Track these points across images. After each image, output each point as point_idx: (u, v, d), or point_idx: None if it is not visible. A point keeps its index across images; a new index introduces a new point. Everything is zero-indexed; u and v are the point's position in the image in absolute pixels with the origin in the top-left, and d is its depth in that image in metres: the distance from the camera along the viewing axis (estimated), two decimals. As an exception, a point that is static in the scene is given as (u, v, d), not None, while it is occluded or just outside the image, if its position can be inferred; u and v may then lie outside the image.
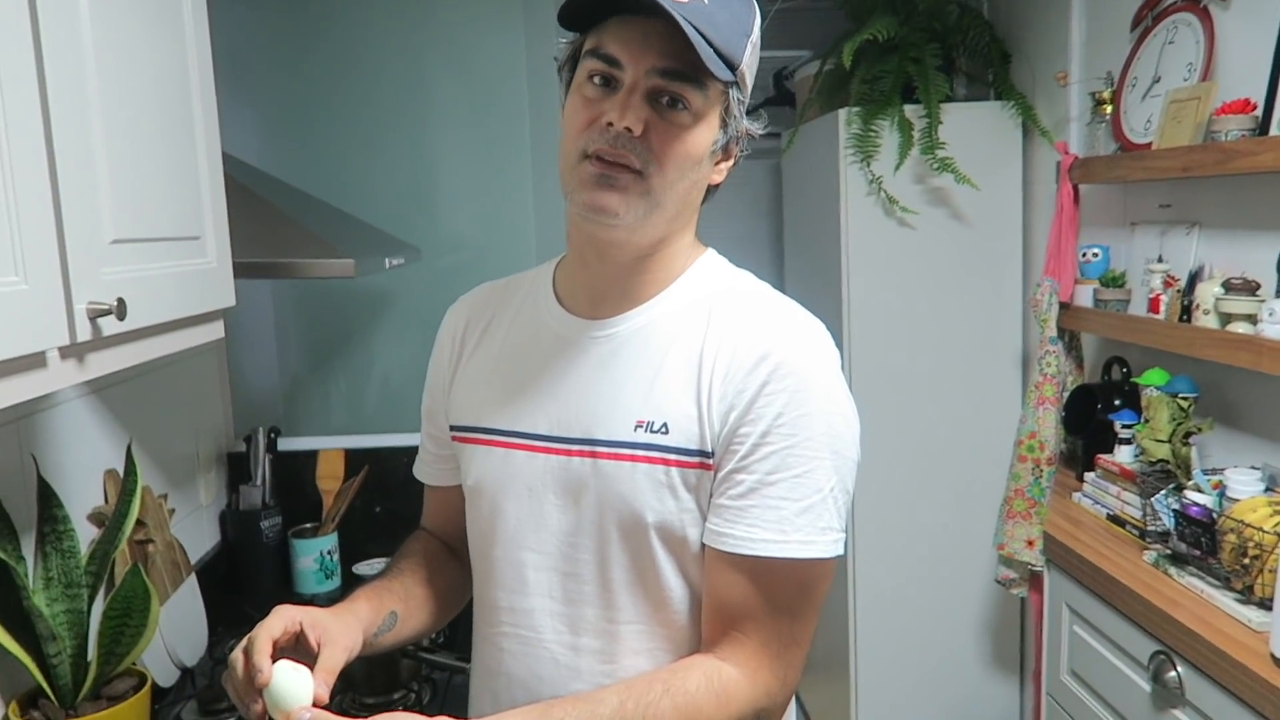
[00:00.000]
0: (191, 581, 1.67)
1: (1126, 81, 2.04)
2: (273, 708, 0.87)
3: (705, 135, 0.92)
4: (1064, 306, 2.15)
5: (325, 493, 2.05)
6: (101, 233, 0.94)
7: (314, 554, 1.97)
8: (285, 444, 2.07)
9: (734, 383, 0.90)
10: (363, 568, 2.03)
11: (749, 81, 0.95)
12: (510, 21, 2.24)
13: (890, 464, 2.51)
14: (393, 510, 2.07)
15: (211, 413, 2.03)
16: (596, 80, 0.89)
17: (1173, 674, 1.48)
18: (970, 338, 2.52)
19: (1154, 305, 1.89)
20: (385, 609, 1.03)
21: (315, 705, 0.87)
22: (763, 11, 0.96)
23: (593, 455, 0.94)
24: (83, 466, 1.49)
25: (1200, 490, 1.62)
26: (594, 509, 0.95)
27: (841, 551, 0.92)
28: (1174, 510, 1.61)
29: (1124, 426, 1.91)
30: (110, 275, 0.95)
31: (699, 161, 0.93)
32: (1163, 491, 1.67)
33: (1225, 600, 1.47)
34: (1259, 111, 1.66)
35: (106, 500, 1.54)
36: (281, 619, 0.93)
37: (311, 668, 0.89)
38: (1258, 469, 1.61)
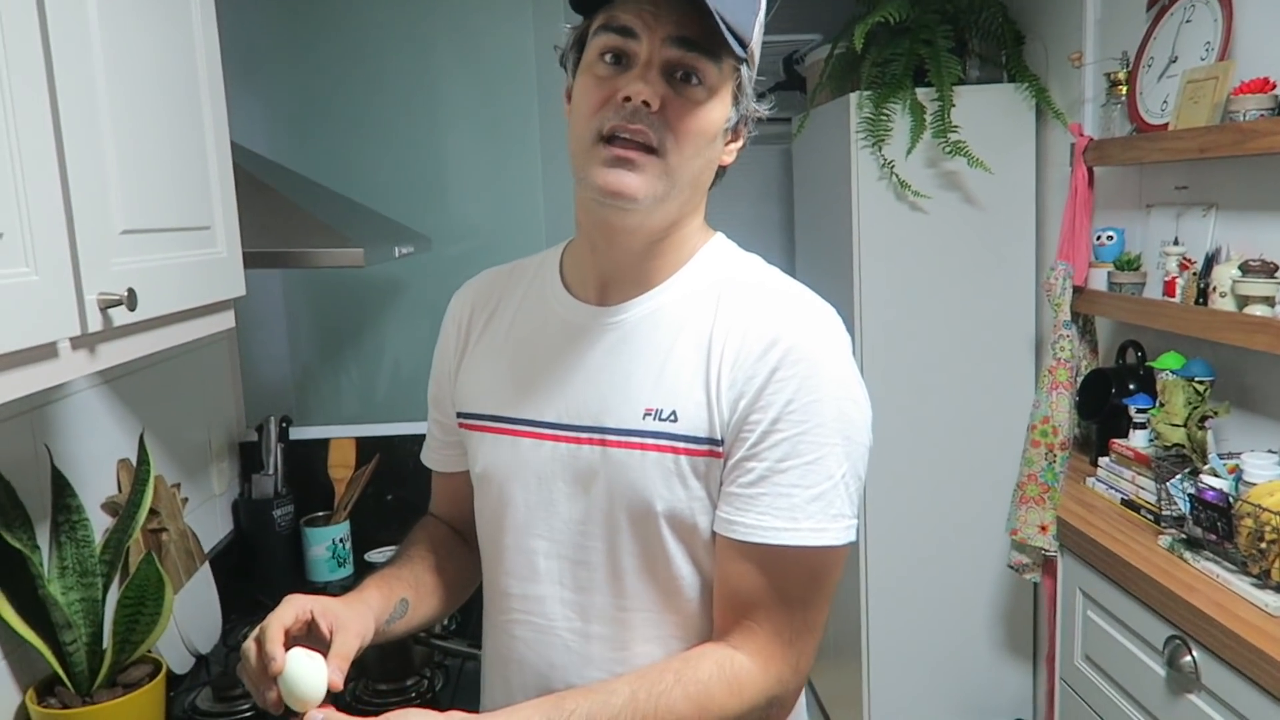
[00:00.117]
0: (205, 570, 1.68)
1: (1142, 61, 2.02)
2: (287, 695, 0.87)
3: (719, 112, 0.91)
4: (1078, 290, 2.14)
5: (337, 481, 2.06)
6: (111, 223, 0.94)
7: (326, 542, 1.98)
8: (297, 433, 2.07)
9: (743, 370, 0.89)
10: (375, 556, 2.03)
11: (756, 62, 0.94)
12: (519, 8, 2.22)
13: (903, 449, 2.50)
14: (404, 498, 2.08)
15: (223, 402, 2.04)
16: (608, 58, 0.88)
17: (1188, 659, 1.48)
18: (983, 322, 2.51)
19: (1169, 288, 1.87)
20: (396, 597, 1.03)
21: (330, 691, 0.88)
22: None
23: (602, 443, 0.94)
24: (96, 456, 1.50)
25: (1216, 474, 1.61)
26: (604, 497, 0.94)
27: (854, 538, 0.91)
28: (1189, 494, 1.59)
29: (1139, 411, 1.90)
30: (120, 265, 0.95)
31: (713, 139, 0.92)
32: (1178, 476, 1.66)
33: (1241, 584, 1.46)
34: (1278, 91, 1.64)
35: (120, 490, 1.54)
36: (293, 608, 0.93)
37: (325, 655, 0.90)
38: (1275, 452, 1.60)
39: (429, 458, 1.17)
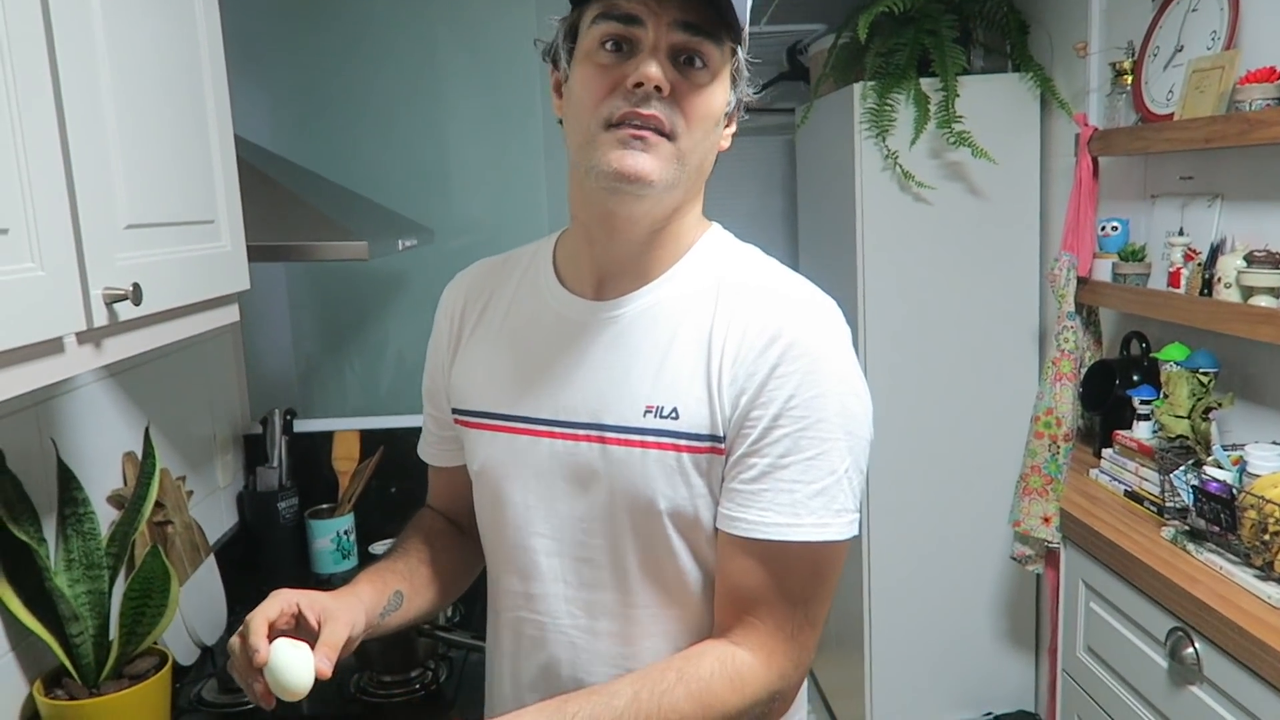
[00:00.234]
0: (210, 562, 1.68)
1: (1148, 51, 2.01)
2: (274, 685, 0.87)
3: (722, 94, 0.91)
4: (1082, 281, 2.13)
5: (341, 473, 2.06)
6: (116, 218, 0.94)
7: (331, 534, 1.99)
8: (301, 425, 2.08)
9: (745, 365, 0.89)
10: (379, 547, 2.04)
11: (747, 43, 0.94)
12: (521, -2, 2.22)
13: (906, 441, 2.50)
14: (408, 490, 2.07)
15: (228, 395, 2.04)
16: (609, 45, 0.86)
17: (1190, 651, 1.48)
18: (987, 313, 2.50)
19: (1174, 279, 1.87)
20: (389, 590, 1.03)
21: (318, 679, 0.88)
22: None
23: (601, 441, 0.93)
24: (101, 449, 1.50)
25: (1220, 466, 1.60)
26: (605, 495, 0.94)
27: (856, 532, 0.91)
28: (1193, 486, 1.59)
29: (1143, 402, 1.90)
30: (125, 260, 0.95)
31: (718, 122, 0.92)
32: (1182, 467, 1.66)
33: (1244, 576, 1.46)
34: (1283, 81, 1.63)
35: (125, 482, 1.55)
36: (278, 601, 0.93)
37: (313, 646, 0.90)
38: (1279, 444, 1.60)
39: (426, 452, 1.17)
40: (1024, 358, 2.53)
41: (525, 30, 2.23)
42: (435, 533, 1.15)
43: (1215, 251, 1.82)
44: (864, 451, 0.92)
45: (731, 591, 0.92)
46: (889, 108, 2.37)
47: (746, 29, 0.92)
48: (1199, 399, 1.72)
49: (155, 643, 1.34)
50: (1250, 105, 1.64)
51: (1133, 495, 1.85)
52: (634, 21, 0.85)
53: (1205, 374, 1.75)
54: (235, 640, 0.91)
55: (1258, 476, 1.51)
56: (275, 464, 1.99)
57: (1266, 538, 1.43)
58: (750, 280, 0.94)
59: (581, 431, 0.94)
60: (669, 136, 0.86)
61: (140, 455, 1.51)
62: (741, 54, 0.92)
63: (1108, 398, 2.02)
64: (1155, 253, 2.01)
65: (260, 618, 0.90)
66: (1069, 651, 1.91)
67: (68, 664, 1.24)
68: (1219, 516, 1.53)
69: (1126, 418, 1.94)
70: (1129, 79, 2.04)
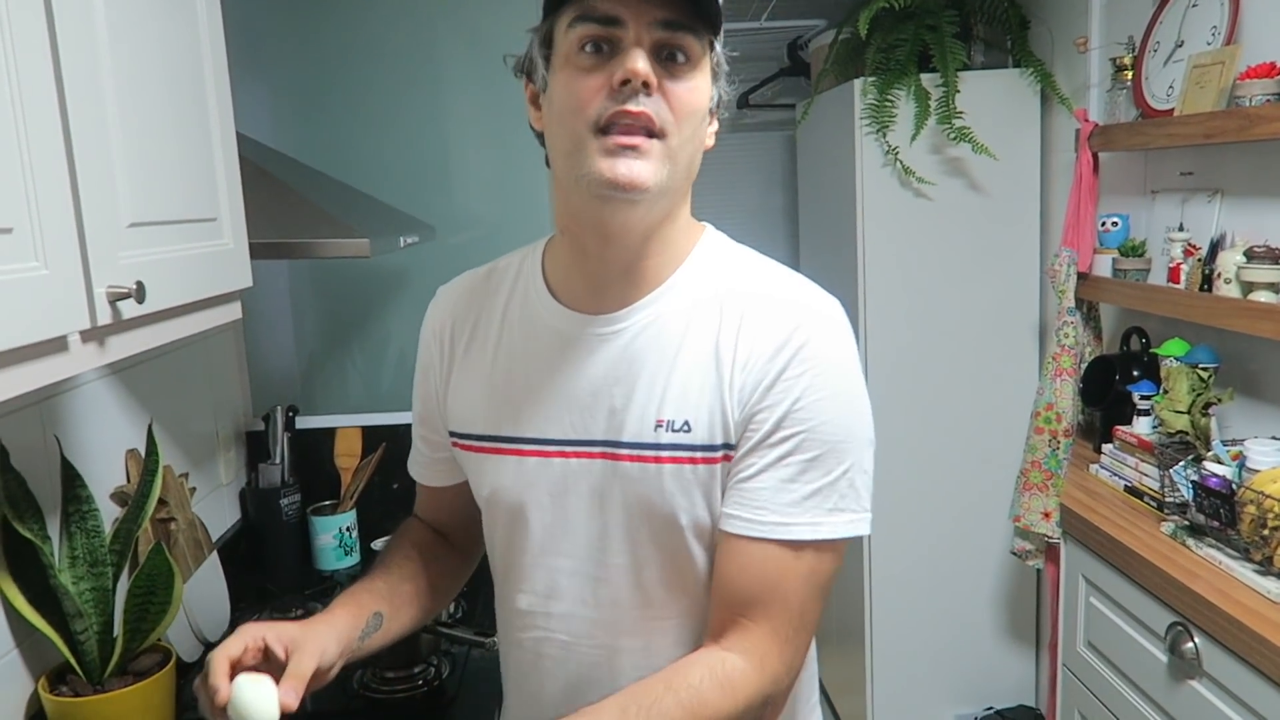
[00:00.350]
0: (213, 559, 1.69)
1: (1148, 46, 2.01)
2: None
3: (706, 88, 0.89)
4: (1082, 276, 2.13)
5: (343, 470, 2.07)
6: (119, 217, 0.95)
7: (333, 531, 1.99)
8: (303, 422, 2.08)
9: (754, 371, 0.89)
10: (381, 544, 2.04)
11: (722, 40, 0.92)
12: (521, -7, 2.22)
13: (906, 436, 2.51)
14: (410, 487, 2.05)
15: (230, 392, 2.05)
16: (589, 48, 0.84)
17: (1190, 645, 1.48)
18: (987, 309, 2.50)
19: (1174, 275, 1.87)
20: (367, 612, 1.02)
21: (283, 712, 0.87)
22: None
23: (614, 458, 0.92)
24: (105, 447, 1.51)
25: (1220, 461, 1.61)
26: (621, 512, 0.93)
27: (854, 533, 0.91)
28: (1192, 481, 1.60)
29: (1143, 398, 1.90)
30: (128, 259, 0.95)
31: (704, 117, 0.90)
32: (1181, 463, 1.66)
33: (1244, 571, 1.47)
34: (1283, 77, 1.63)
35: (129, 480, 1.55)
36: (241, 638, 0.92)
37: (280, 679, 0.89)
38: (1278, 439, 1.60)
39: (417, 472, 1.15)
40: (1024, 353, 2.53)
41: (526, 24, 2.21)
42: (422, 545, 1.14)
43: (1215, 247, 1.82)
44: (867, 452, 0.92)
45: (727, 592, 0.91)
46: (889, 103, 2.37)
47: (723, 22, 0.90)
48: (1199, 394, 1.72)
49: (159, 640, 1.35)
50: (1250, 101, 1.64)
51: (1133, 490, 1.85)
52: (614, 23, 0.83)
53: (1205, 369, 1.75)
54: (198, 681, 0.90)
55: (1257, 471, 1.52)
56: (277, 461, 2.00)
57: (1266, 533, 1.43)
58: (755, 287, 0.94)
59: (595, 449, 0.93)
60: (659, 135, 0.84)
61: (143, 452, 1.52)
62: (719, 47, 0.91)
63: (1108, 393, 2.03)
64: (1155, 248, 2.02)
65: (221, 656, 0.89)
66: (1069, 646, 1.92)
67: (72, 661, 1.25)
68: (1218, 511, 1.53)
69: (1126, 413, 1.94)
70: (1129, 74, 2.04)
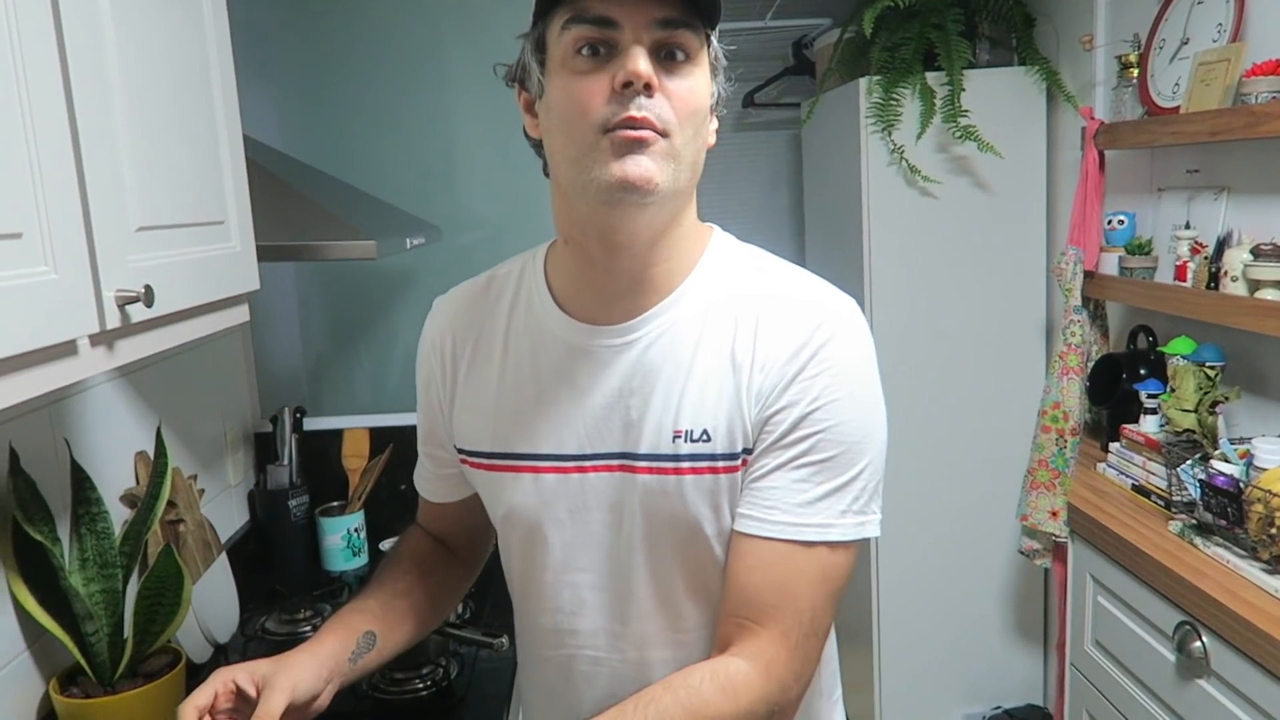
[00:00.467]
0: (222, 560, 1.70)
1: (1154, 44, 2.00)
2: None
3: (706, 84, 0.87)
4: (1089, 275, 2.13)
5: (351, 471, 2.07)
6: (127, 221, 0.95)
7: (341, 532, 2.00)
8: (310, 424, 2.09)
9: (772, 373, 0.88)
10: (389, 544, 2.05)
11: (717, 34, 0.90)
12: (525, -6, 2.22)
13: (913, 435, 2.51)
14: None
15: (238, 394, 2.05)
16: (585, 51, 0.82)
17: (1198, 644, 1.48)
18: (993, 307, 2.50)
19: (1181, 273, 1.87)
20: (358, 633, 1.02)
21: None
22: None
23: (632, 470, 0.91)
24: (114, 449, 1.51)
25: (1227, 460, 1.60)
26: (642, 525, 0.91)
27: (865, 535, 0.90)
28: (1200, 480, 1.59)
29: (1149, 396, 1.89)
30: (137, 263, 0.96)
31: (707, 114, 0.88)
32: (1189, 461, 1.66)
33: (1251, 570, 1.46)
34: (1290, 74, 1.63)
35: (138, 482, 1.56)
36: (211, 685, 0.92)
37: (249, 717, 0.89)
38: (1286, 438, 1.60)
39: (423, 487, 1.14)
40: (1030, 352, 2.53)
41: (528, 22, 2.23)
42: (420, 555, 1.13)
43: (1222, 245, 1.81)
44: (880, 454, 0.92)
45: (737, 595, 0.89)
46: (894, 102, 2.37)
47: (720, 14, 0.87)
48: (1206, 393, 1.72)
49: (169, 641, 1.36)
50: (1257, 98, 1.64)
51: (1140, 489, 1.85)
52: (609, 24, 0.80)
53: (1212, 368, 1.75)
54: None
55: (1265, 470, 1.51)
56: (285, 462, 2.01)
57: (1274, 531, 1.43)
58: (770, 289, 0.92)
59: (612, 462, 0.92)
60: (662, 135, 0.82)
61: (152, 454, 1.52)
62: (715, 42, 0.88)
63: (1114, 392, 2.02)
64: (1162, 246, 2.01)
65: (189, 708, 0.90)
66: (1077, 645, 1.92)
67: (83, 662, 1.25)
68: (1226, 510, 1.53)
69: (1133, 412, 1.94)
70: (1135, 72, 2.04)
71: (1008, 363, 2.52)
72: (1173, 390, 1.80)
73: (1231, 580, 1.47)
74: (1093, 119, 2.14)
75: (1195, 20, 1.89)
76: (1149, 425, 1.89)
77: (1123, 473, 1.93)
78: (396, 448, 2.07)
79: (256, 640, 1.68)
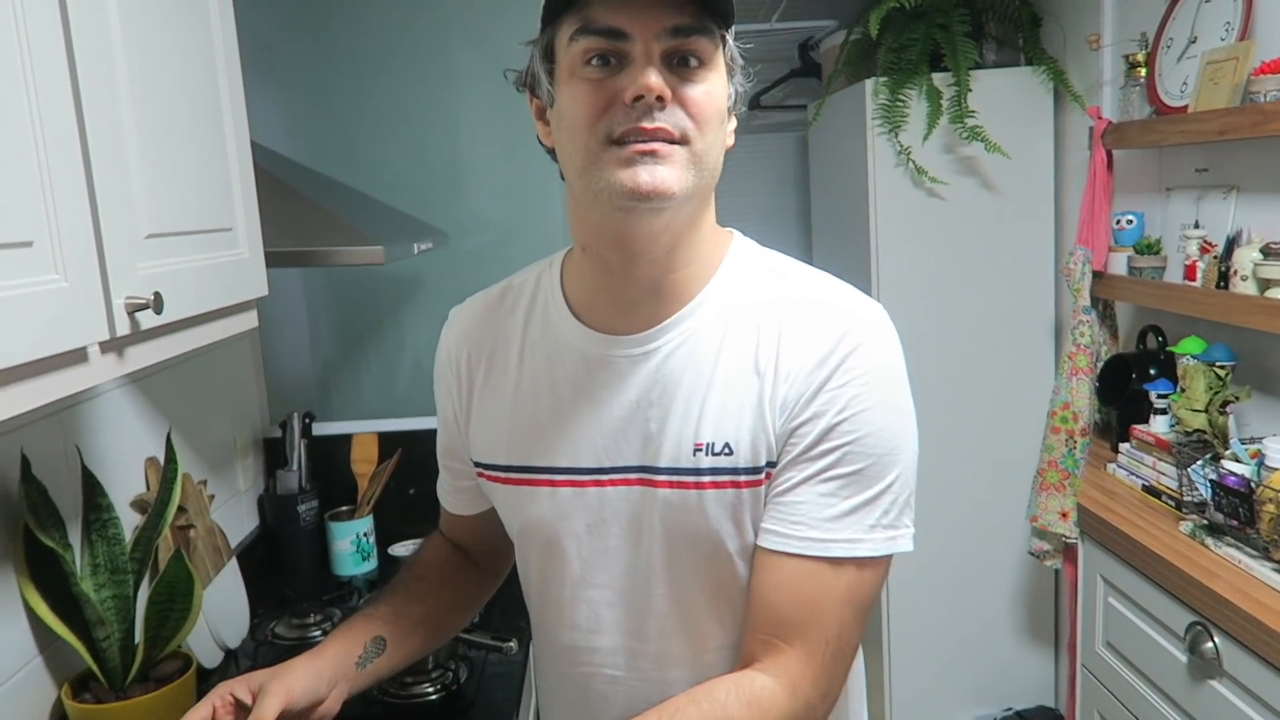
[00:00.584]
0: (233, 565, 1.70)
1: (1161, 43, 2.00)
2: None
3: (723, 87, 0.84)
4: (1098, 275, 2.12)
5: (360, 476, 2.08)
6: (136, 228, 0.96)
7: (350, 536, 2.00)
8: (319, 429, 2.10)
9: (797, 383, 0.85)
10: (398, 549, 2.06)
11: (733, 32, 0.87)
12: (531, -1, 2.23)
13: (922, 437, 2.48)
14: (426, 492, 2.06)
15: (247, 399, 2.06)
16: (595, 61, 0.80)
17: (1209, 645, 1.47)
18: (1002, 308, 2.49)
19: (1190, 272, 1.86)
20: (366, 637, 1.01)
21: None
22: None
23: (651, 484, 0.88)
24: (124, 455, 1.52)
25: (1238, 460, 1.60)
26: (662, 541, 0.89)
27: (895, 550, 0.87)
28: (1211, 480, 1.59)
29: (1159, 396, 1.89)
30: (146, 270, 0.96)
31: (725, 117, 0.85)
32: (1199, 461, 1.65)
33: (1263, 570, 1.46)
34: (1298, 72, 1.62)
35: (148, 488, 1.57)
36: (209, 700, 0.92)
37: None
38: (1297, 437, 1.59)
39: (443, 499, 1.13)
40: (1040, 353, 2.52)
41: (535, 27, 2.23)
42: (438, 565, 1.12)
43: (1231, 244, 1.81)
44: (911, 466, 0.88)
45: (762, 611, 0.87)
46: (901, 103, 2.36)
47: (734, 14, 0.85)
48: (1216, 392, 1.71)
49: (179, 646, 1.36)
50: (1265, 96, 1.63)
51: (1150, 490, 1.84)
52: (618, 35, 0.78)
53: (1222, 367, 1.74)
54: None
55: (1276, 470, 1.51)
56: (295, 467, 2.01)
57: (1286, 531, 1.42)
58: (793, 295, 0.89)
59: (631, 476, 0.89)
60: (681, 142, 0.80)
61: (162, 460, 1.53)
62: (730, 40, 0.86)
63: (1124, 392, 2.02)
64: (1171, 246, 2.00)
65: None
66: (1088, 647, 1.91)
67: (94, 668, 1.26)
68: (1237, 510, 1.52)
69: (1143, 412, 1.93)
70: (1143, 71, 2.03)
71: (1016, 363, 2.51)
72: (1183, 390, 1.79)
73: (1243, 580, 1.46)
74: (1100, 119, 2.13)
75: (1203, 19, 1.89)
76: (1159, 425, 1.88)
77: (1133, 473, 1.92)
78: (405, 452, 2.07)
79: (267, 645, 1.69)
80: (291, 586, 1.90)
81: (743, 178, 3.16)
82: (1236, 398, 1.71)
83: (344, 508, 2.05)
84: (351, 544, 2.01)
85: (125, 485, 1.52)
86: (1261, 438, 1.62)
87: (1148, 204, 2.12)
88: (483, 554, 1.15)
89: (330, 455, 2.08)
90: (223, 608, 1.63)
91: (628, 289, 0.89)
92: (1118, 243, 2.12)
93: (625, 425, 0.89)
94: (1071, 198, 2.41)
